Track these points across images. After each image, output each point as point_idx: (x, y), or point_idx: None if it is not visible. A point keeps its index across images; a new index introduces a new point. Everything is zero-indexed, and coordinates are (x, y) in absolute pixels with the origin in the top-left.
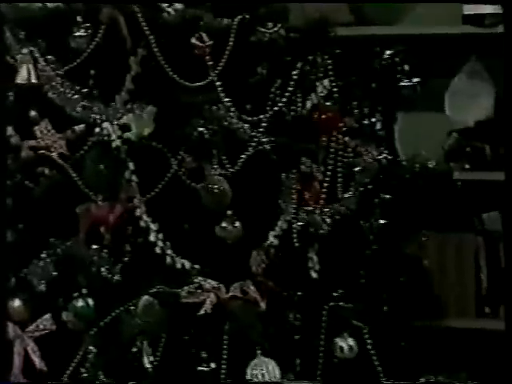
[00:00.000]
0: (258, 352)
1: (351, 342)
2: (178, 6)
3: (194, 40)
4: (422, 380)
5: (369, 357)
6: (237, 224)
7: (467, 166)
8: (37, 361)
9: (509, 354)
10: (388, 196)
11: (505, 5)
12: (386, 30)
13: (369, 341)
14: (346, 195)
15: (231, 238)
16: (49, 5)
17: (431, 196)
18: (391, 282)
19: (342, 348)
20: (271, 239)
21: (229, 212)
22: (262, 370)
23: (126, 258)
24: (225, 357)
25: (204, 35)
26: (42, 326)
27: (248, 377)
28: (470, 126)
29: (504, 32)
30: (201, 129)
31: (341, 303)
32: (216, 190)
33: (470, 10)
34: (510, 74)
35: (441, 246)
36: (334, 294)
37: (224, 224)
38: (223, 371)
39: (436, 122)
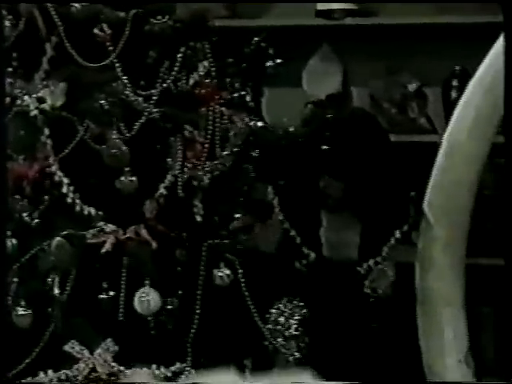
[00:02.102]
0: (147, 282)
1: (227, 271)
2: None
3: (96, 30)
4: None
5: (240, 284)
6: (133, 178)
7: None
8: None
9: (509, 355)
10: (257, 154)
11: (505, 5)
12: (255, 22)
13: (240, 271)
14: (223, 154)
15: (128, 190)
16: None
17: (291, 154)
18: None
19: (219, 277)
20: (161, 190)
21: (126, 168)
22: (147, 297)
23: (42, 206)
24: (122, 287)
25: (104, 25)
26: None
27: (136, 301)
28: (322, 98)
29: (504, 32)
30: (102, 101)
31: (218, 240)
32: (115, 151)
33: (321, 6)
34: (511, 73)
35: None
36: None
37: (122, 178)
38: (120, 298)
39: (295, 95)
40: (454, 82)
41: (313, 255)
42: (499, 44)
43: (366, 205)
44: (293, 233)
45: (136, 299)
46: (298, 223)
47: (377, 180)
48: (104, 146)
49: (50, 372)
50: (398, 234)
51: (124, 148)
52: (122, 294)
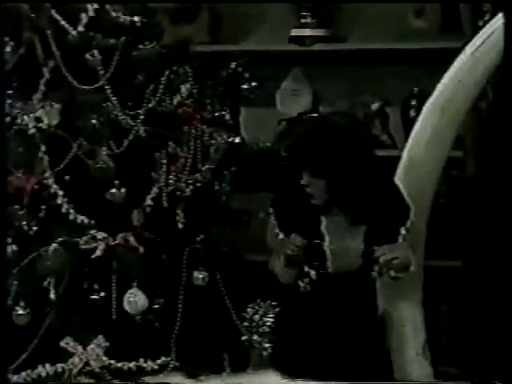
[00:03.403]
0: (134, 284)
1: (205, 273)
2: (81, 28)
3: (88, 55)
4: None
5: (217, 284)
6: (122, 190)
7: None
8: None
9: (509, 355)
10: (234, 168)
11: (505, 5)
12: (232, 47)
13: (217, 273)
14: (204, 168)
15: (118, 201)
16: None
17: (267, 167)
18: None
19: (197, 278)
20: (148, 201)
21: (116, 182)
22: (134, 298)
23: (40, 216)
24: (112, 288)
25: (95, 51)
26: None
27: (125, 301)
28: (294, 116)
29: (504, 32)
30: (94, 120)
31: (198, 246)
32: (102, 165)
33: (295, 32)
34: (511, 73)
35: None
36: (195, 239)
37: (113, 190)
38: (111, 299)
39: (270, 114)
40: (413, 102)
41: (313, 273)
42: (454, 67)
43: (362, 205)
44: None
45: (125, 300)
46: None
47: (358, 176)
48: (95, 161)
49: (47, 365)
50: (403, 231)
51: (111, 163)
52: (112, 295)
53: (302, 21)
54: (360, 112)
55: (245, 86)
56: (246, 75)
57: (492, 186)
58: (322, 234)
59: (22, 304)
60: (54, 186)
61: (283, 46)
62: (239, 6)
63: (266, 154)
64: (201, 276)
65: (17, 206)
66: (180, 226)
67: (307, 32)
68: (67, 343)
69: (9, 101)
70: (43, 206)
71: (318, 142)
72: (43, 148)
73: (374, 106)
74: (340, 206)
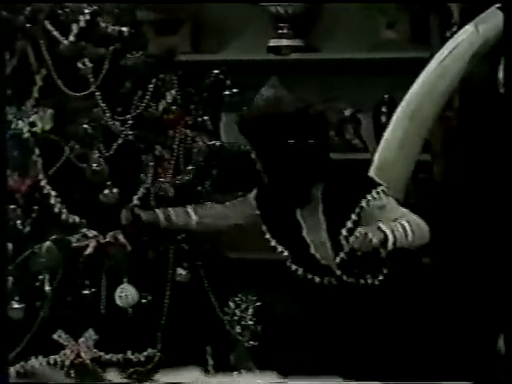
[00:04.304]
0: (125, 280)
1: (189, 270)
2: (72, 38)
3: (79, 64)
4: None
5: (200, 279)
6: (114, 190)
7: None
8: None
9: (509, 355)
10: (215, 170)
11: (505, 5)
12: (214, 57)
13: (201, 269)
14: (187, 169)
15: (111, 201)
16: None
17: (245, 168)
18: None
19: (183, 275)
20: (135, 201)
21: (108, 182)
22: (126, 292)
23: (34, 215)
24: (102, 284)
25: (86, 60)
26: None
27: (116, 296)
28: None
29: (504, 32)
30: (85, 125)
31: (182, 244)
32: (98, 168)
33: (272, 42)
34: (511, 73)
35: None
36: (178, 238)
37: (106, 191)
38: (101, 293)
39: None
40: (384, 109)
41: (301, 270)
42: (422, 77)
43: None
44: (280, 249)
45: (116, 294)
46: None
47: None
48: (86, 164)
49: (40, 357)
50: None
51: (104, 165)
52: (102, 290)
53: (279, 31)
54: (334, 118)
55: (226, 93)
56: (228, 82)
57: (457, 188)
58: (299, 223)
59: (17, 299)
60: (47, 187)
61: (262, 55)
62: (220, 17)
63: (245, 157)
64: (184, 272)
65: (12, 206)
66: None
67: (284, 42)
68: (59, 336)
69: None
70: (37, 206)
71: (269, 119)
72: (37, 151)
73: (347, 112)
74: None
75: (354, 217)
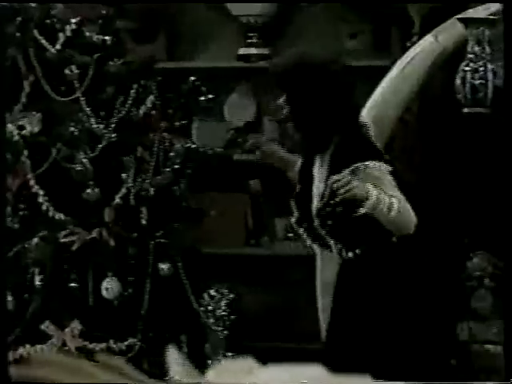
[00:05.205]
0: (110, 274)
1: (169, 264)
2: (58, 47)
3: (66, 70)
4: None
5: (179, 274)
6: (96, 190)
7: (239, 151)
8: None
9: (508, 355)
10: (190, 171)
11: (505, 5)
12: (190, 64)
13: (179, 263)
14: (165, 170)
15: (93, 200)
16: None
17: (219, 169)
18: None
19: (162, 269)
20: (117, 200)
21: (91, 182)
22: (110, 285)
23: (22, 213)
24: (88, 277)
25: (73, 67)
26: None
27: (103, 288)
28: (240, 126)
29: (504, 31)
30: (71, 128)
31: (161, 239)
32: (83, 169)
33: (242, 51)
34: (511, 73)
35: (224, 199)
36: (157, 234)
37: (88, 190)
38: (86, 286)
39: (220, 123)
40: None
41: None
42: (383, 83)
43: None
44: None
45: (102, 287)
46: None
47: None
48: (73, 165)
49: (27, 346)
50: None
51: (88, 166)
52: (87, 283)
53: (249, 41)
54: None
55: (202, 98)
56: (203, 89)
57: (416, 189)
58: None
59: (8, 292)
60: (36, 187)
61: (232, 63)
62: (194, 27)
63: (218, 159)
64: (166, 267)
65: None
66: (143, 222)
67: (253, 51)
68: (47, 326)
69: None
70: (26, 205)
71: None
72: (26, 153)
73: None
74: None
75: (346, 171)
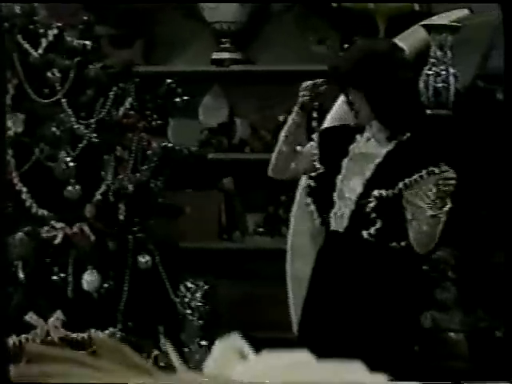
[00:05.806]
0: (90, 267)
1: (147, 258)
2: (40, 51)
3: (49, 73)
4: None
5: (157, 267)
6: (77, 187)
7: (213, 151)
8: None
9: (509, 357)
10: (167, 169)
11: (505, 5)
12: (166, 68)
13: (157, 257)
14: (143, 168)
15: (74, 196)
16: None
17: (194, 167)
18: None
19: (141, 262)
20: (97, 196)
21: (72, 180)
22: (90, 278)
23: (7, 209)
24: (69, 270)
25: (55, 70)
26: None
27: (83, 281)
28: (214, 126)
29: (504, 31)
30: (53, 129)
31: (140, 234)
32: (65, 168)
33: (215, 55)
34: (511, 73)
35: (199, 197)
36: (134, 229)
37: (69, 188)
38: (68, 279)
39: (194, 124)
40: (315, 115)
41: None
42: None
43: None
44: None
45: (83, 279)
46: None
47: None
48: (54, 164)
49: (13, 336)
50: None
51: (71, 165)
52: (69, 276)
53: (222, 46)
54: (270, 123)
55: (178, 100)
56: (179, 91)
57: None
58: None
59: None
60: (19, 184)
61: (205, 66)
62: (170, 32)
63: (193, 157)
64: (143, 260)
65: None
66: (121, 217)
67: (226, 55)
68: (31, 317)
69: None
70: (10, 201)
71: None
72: (10, 152)
73: (281, 118)
74: (380, 118)
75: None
